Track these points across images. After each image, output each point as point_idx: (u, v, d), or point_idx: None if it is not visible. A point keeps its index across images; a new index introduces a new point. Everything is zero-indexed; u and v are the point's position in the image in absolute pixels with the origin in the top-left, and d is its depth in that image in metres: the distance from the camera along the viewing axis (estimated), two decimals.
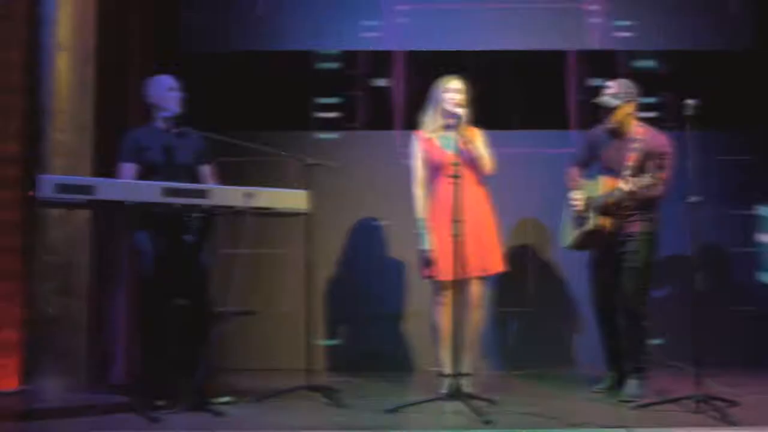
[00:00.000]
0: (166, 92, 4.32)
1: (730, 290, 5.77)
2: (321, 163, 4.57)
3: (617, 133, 4.41)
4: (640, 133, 4.36)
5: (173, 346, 3.99)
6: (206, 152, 4.44)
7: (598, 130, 4.55)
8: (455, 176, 4.06)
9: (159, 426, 3.65)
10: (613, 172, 4.34)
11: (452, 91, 4.42)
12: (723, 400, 3.93)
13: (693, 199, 3.94)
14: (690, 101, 4.00)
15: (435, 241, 4.38)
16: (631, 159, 4.29)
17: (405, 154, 4.69)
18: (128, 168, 4.23)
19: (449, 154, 4.30)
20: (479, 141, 4.49)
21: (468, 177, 4.37)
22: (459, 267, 4.04)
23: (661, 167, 3.98)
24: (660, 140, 4.35)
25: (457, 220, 3.98)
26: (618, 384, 4.45)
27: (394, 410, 3.93)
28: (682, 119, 4.04)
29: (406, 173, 4.62)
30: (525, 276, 5.86)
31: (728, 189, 5.74)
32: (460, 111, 4.30)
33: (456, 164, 4.09)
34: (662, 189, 4.26)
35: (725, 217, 5.73)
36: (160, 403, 3.95)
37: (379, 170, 5.78)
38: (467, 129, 4.41)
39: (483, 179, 4.48)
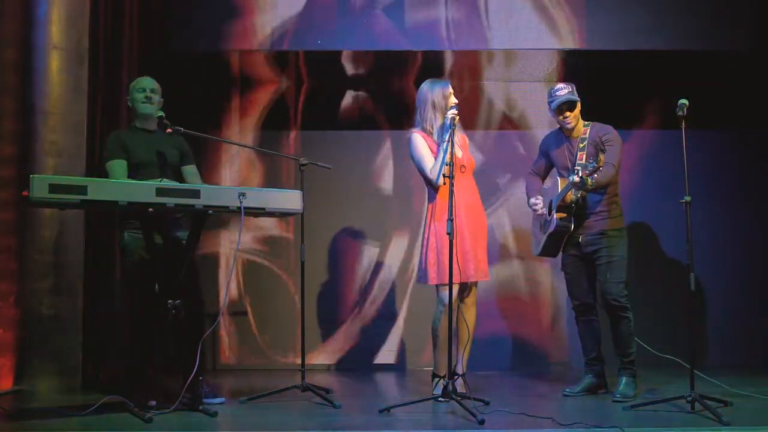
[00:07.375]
0: (148, 94, 4.30)
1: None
2: (315, 163, 4.57)
3: (569, 135, 4.49)
4: (585, 132, 4.45)
5: (166, 345, 3.98)
6: (190, 152, 4.45)
7: (551, 136, 4.65)
8: (450, 176, 4.06)
9: (152, 426, 3.64)
10: (568, 172, 4.42)
11: (448, 94, 4.43)
12: (716, 400, 3.93)
13: (686, 198, 3.93)
14: (683, 101, 3.99)
15: (442, 245, 4.32)
16: (582, 157, 4.37)
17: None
18: (120, 164, 4.17)
19: (447, 155, 4.29)
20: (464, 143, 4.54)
21: (468, 179, 4.41)
22: (467, 270, 4.16)
23: (602, 150, 4.05)
24: (603, 129, 4.44)
25: (451, 219, 3.96)
26: (594, 388, 4.48)
27: (387, 410, 3.93)
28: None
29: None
30: (517, 276, 5.88)
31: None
32: (455, 112, 4.29)
33: (450, 164, 4.09)
34: (610, 171, 4.27)
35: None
36: (152, 403, 3.95)
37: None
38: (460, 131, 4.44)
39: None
